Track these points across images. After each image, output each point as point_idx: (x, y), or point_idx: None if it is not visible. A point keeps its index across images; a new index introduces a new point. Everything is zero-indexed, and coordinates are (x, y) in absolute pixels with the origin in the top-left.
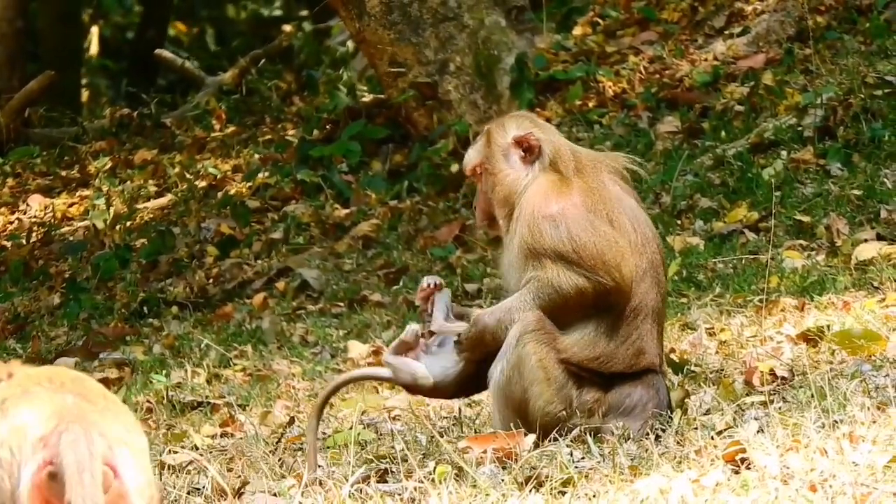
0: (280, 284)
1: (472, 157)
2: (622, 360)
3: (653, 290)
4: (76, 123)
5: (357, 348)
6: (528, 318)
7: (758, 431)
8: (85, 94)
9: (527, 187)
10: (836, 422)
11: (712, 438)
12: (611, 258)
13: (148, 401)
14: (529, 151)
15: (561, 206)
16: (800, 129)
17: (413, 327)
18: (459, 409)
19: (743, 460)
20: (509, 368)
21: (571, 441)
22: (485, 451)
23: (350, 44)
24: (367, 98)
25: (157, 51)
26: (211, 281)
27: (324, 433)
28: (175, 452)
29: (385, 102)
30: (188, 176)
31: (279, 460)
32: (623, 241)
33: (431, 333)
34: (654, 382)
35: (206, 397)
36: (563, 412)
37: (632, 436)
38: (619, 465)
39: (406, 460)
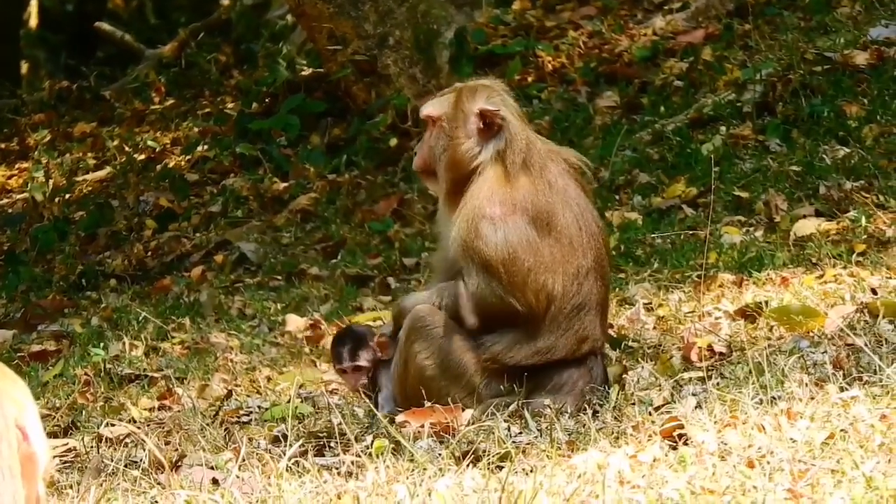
0: (218, 257)
1: (435, 106)
2: (563, 348)
3: (597, 284)
4: (15, 95)
5: (295, 321)
6: (416, 313)
7: (695, 407)
8: (24, 67)
9: (477, 172)
10: (774, 398)
11: (650, 414)
12: (533, 281)
13: (86, 373)
14: (489, 128)
15: (504, 210)
16: (739, 104)
17: None
18: None
19: (681, 436)
20: (401, 364)
21: (509, 416)
22: (422, 426)
23: (289, 17)
24: (307, 72)
25: (97, 23)
26: (149, 254)
27: (260, 406)
28: (112, 425)
29: (324, 76)
30: (127, 149)
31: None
32: (560, 252)
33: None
34: (589, 363)
35: (144, 370)
36: (468, 398)
37: (568, 411)
38: (557, 440)
39: (343, 434)
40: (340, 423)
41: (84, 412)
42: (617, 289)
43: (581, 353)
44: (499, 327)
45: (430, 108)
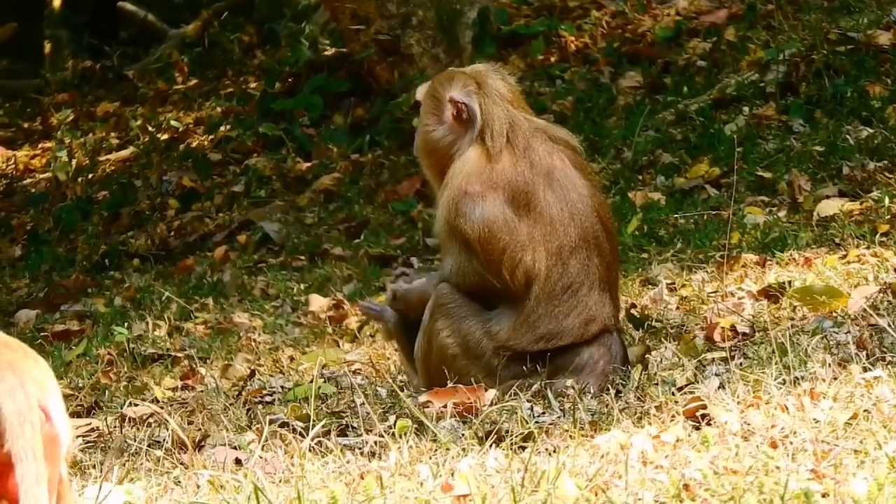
0: (241, 237)
1: (419, 93)
2: (569, 333)
3: (592, 259)
4: (38, 75)
5: (318, 301)
6: (439, 290)
7: (718, 387)
8: (47, 46)
9: (457, 156)
10: (797, 378)
11: (673, 394)
12: (509, 258)
13: (109, 353)
14: (459, 116)
15: (483, 189)
16: (762, 84)
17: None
18: None
19: (703, 416)
20: (425, 342)
21: (532, 396)
22: (445, 406)
23: None
24: (329, 52)
25: (120, 3)
26: (172, 234)
27: (283, 387)
28: (136, 405)
29: (347, 56)
30: (150, 128)
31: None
32: (539, 231)
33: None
34: (606, 341)
35: (167, 350)
36: (488, 378)
37: (591, 391)
38: (580, 420)
39: (367, 414)
40: (363, 404)
41: (107, 392)
42: (640, 269)
43: (591, 335)
44: (497, 302)
45: (418, 94)
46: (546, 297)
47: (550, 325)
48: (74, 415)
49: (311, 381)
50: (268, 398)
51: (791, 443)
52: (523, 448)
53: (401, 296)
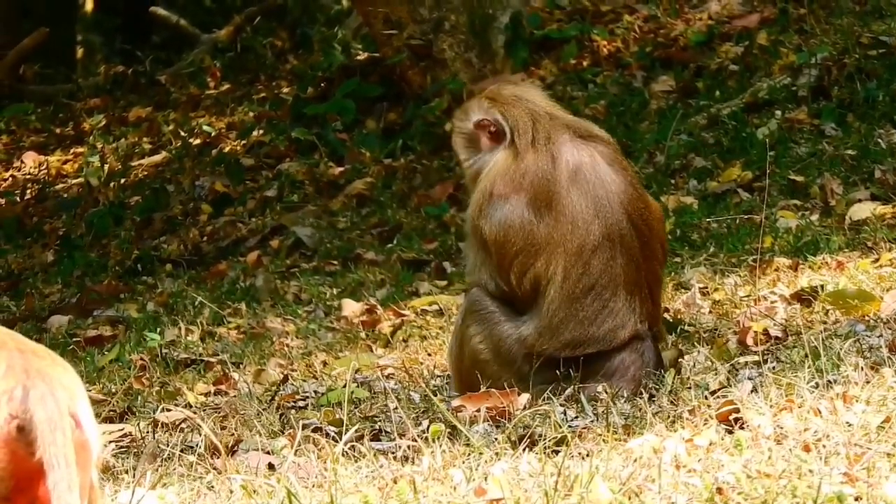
0: (274, 242)
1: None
2: (596, 341)
3: (617, 259)
4: (71, 80)
5: (351, 306)
6: (472, 296)
7: (751, 391)
8: (79, 51)
9: (489, 165)
10: (830, 382)
11: (706, 398)
12: (519, 264)
13: (141, 358)
14: (494, 135)
15: (507, 190)
16: (794, 88)
17: None
18: None
19: (737, 420)
20: (457, 346)
21: (565, 400)
22: (478, 410)
23: (345, 1)
24: (362, 56)
25: (153, 8)
26: (205, 238)
27: (316, 391)
28: (168, 410)
29: (379, 61)
30: (182, 133)
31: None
32: (558, 231)
33: None
34: (639, 346)
35: (200, 355)
36: (520, 383)
37: (624, 396)
38: (613, 424)
39: (400, 419)
40: (396, 408)
41: (140, 397)
42: (673, 273)
43: (621, 341)
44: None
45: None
46: (567, 299)
47: (576, 331)
48: (107, 420)
49: (345, 386)
50: (301, 403)
51: (824, 446)
52: (556, 452)
53: None
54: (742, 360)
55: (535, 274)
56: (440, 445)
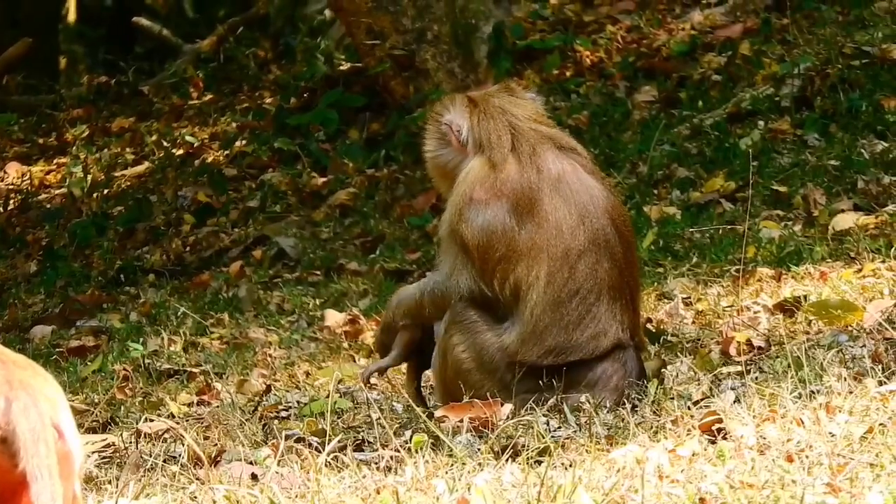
0: (257, 253)
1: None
2: (579, 348)
3: (602, 264)
4: (53, 91)
5: (333, 317)
6: (456, 307)
7: (734, 401)
8: (62, 62)
9: (462, 170)
10: (813, 392)
11: (689, 408)
12: (502, 270)
13: (124, 369)
14: (458, 139)
15: (488, 196)
16: (777, 99)
17: None
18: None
19: (719, 430)
20: (440, 357)
21: (548, 410)
22: (461, 421)
23: (327, 12)
24: (345, 66)
25: (135, 18)
26: (188, 249)
27: (299, 402)
28: (151, 421)
29: (362, 71)
30: (165, 144)
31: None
32: (542, 237)
33: None
34: (621, 356)
35: (183, 365)
36: (503, 392)
37: (607, 406)
38: (596, 434)
39: (383, 429)
40: (379, 418)
41: (123, 408)
42: (655, 283)
43: (603, 350)
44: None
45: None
46: (551, 303)
47: (559, 337)
48: (90, 431)
49: (327, 397)
50: (283, 413)
51: (807, 456)
52: (539, 462)
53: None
54: (725, 370)
55: (517, 278)
56: (423, 456)
